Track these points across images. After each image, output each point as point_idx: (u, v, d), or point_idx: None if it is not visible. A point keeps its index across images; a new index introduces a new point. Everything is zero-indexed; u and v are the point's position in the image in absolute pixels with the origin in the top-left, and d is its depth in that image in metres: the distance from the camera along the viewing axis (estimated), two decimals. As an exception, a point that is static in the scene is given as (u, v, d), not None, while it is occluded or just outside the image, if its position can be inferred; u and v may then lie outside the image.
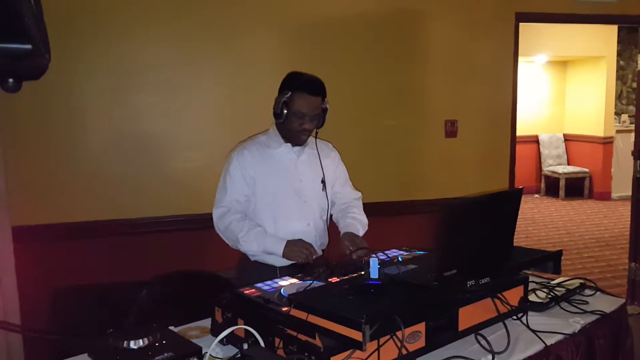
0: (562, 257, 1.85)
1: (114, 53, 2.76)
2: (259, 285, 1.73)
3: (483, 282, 1.49)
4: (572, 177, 7.86)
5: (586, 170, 7.88)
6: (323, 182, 2.15)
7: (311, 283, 1.60)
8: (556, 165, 8.11)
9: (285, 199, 2.08)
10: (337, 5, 3.05)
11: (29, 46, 1.33)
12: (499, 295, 1.65)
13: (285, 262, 2.04)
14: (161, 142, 2.88)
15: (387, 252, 2.11)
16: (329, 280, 1.75)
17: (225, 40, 2.90)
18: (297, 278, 1.80)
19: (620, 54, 7.85)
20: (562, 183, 7.82)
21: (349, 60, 3.07)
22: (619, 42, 7.67)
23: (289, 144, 2.09)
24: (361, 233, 2.15)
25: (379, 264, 1.52)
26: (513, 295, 1.74)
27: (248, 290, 1.67)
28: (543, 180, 8.18)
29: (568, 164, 8.18)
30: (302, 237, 2.02)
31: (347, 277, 1.72)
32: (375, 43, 3.13)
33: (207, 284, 2.13)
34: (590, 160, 7.86)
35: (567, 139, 8.25)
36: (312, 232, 2.12)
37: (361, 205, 2.31)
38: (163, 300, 2.07)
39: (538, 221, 6.53)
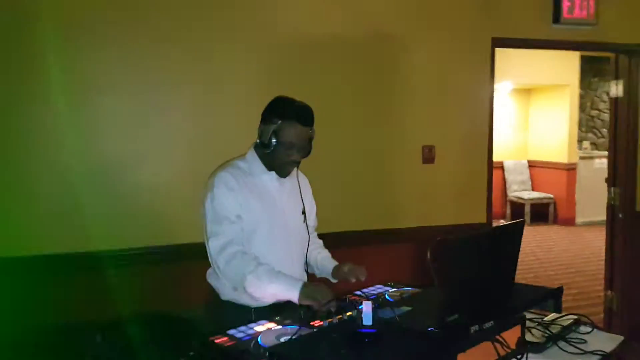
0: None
1: (66, 71, 2.53)
2: (231, 332, 1.52)
3: (487, 326, 1.33)
4: (537, 203, 7.94)
5: (550, 195, 7.98)
6: (304, 213, 1.98)
7: (297, 329, 1.41)
8: (521, 190, 8.19)
9: (269, 232, 1.87)
10: (313, 27, 2.92)
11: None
12: (497, 337, 1.51)
13: (261, 303, 1.83)
14: (120, 168, 2.64)
15: (371, 288, 1.95)
16: (311, 323, 1.57)
17: (195, 60, 2.72)
18: (274, 322, 1.61)
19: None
20: (527, 208, 7.88)
21: (323, 83, 2.93)
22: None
23: (273, 172, 1.91)
24: None
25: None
26: (510, 336, 1.59)
27: (219, 338, 1.46)
28: (508, 206, 8.23)
29: (532, 190, 8.27)
30: (288, 273, 1.81)
31: (331, 319, 1.54)
32: (352, 66, 3.01)
33: (172, 328, 1.89)
34: (555, 186, 7.97)
35: (532, 165, 8.37)
36: (296, 269, 1.94)
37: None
38: (121, 347, 1.83)
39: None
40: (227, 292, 1.88)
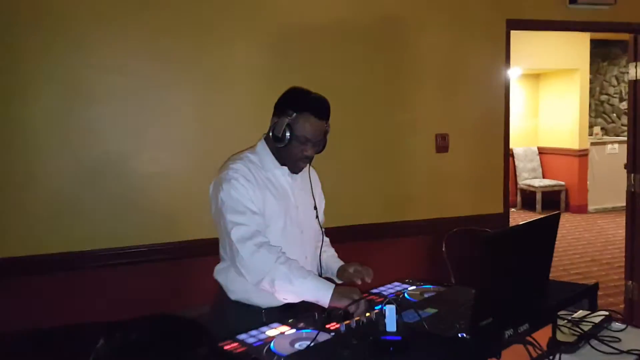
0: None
1: (64, 60, 2.41)
2: (242, 337, 1.41)
3: (522, 329, 1.21)
4: (548, 191, 7.78)
5: (562, 183, 7.82)
6: (315, 209, 1.87)
7: (314, 334, 1.29)
8: (532, 178, 8.03)
9: (283, 228, 1.75)
10: (320, 13, 2.79)
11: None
12: (528, 339, 1.39)
13: (273, 303, 1.71)
14: (121, 166, 2.53)
15: (388, 286, 1.83)
16: (327, 326, 1.46)
17: (196, 52, 2.60)
18: (287, 325, 1.50)
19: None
20: (538, 196, 7.73)
21: (331, 70, 2.80)
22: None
23: (285, 167, 1.79)
24: None
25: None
26: (541, 336, 1.48)
27: (229, 344, 1.35)
28: (519, 194, 8.09)
29: (543, 177, 8.12)
30: None
31: (348, 321, 1.43)
32: (360, 52, 2.88)
33: (178, 332, 1.79)
34: (566, 173, 7.81)
35: (542, 151, 8.20)
36: (309, 266, 1.83)
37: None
38: (125, 351, 1.73)
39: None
40: (237, 290, 1.77)
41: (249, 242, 1.62)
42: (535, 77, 8.29)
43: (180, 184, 2.59)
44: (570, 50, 7.40)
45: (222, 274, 1.81)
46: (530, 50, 6.93)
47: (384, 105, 2.94)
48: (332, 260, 1.94)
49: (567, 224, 7.05)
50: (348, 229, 2.80)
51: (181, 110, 2.61)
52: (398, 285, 1.81)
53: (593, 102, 8.75)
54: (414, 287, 1.74)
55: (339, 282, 1.87)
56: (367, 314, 1.45)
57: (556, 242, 5.07)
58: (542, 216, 1.28)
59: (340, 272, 1.85)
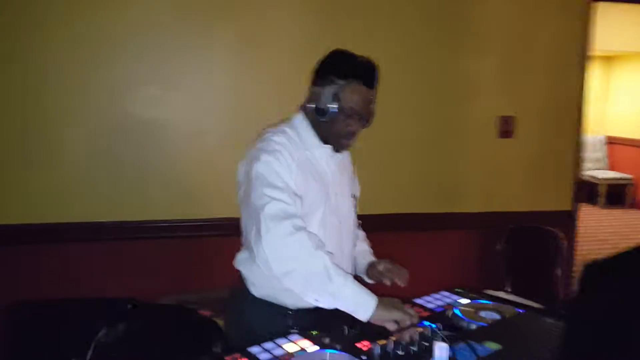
0: None
1: (87, 18, 2.21)
2: (254, 350, 1.18)
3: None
4: (612, 184, 7.17)
5: (629, 176, 7.18)
6: (354, 197, 1.61)
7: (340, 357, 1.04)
8: (595, 169, 7.43)
9: (323, 219, 1.49)
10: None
11: None
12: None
13: (301, 304, 1.44)
14: (150, 132, 2.33)
15: (435, 296, 1.55)
16: (356, 345, 1.21)
17: (227, 9, 2.33)
18: (310, 339, 1.25)
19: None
20: (602, 189, 7.14)
21: (376, 38, 2.46)
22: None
23: (328, 146, 1.52)
24: None
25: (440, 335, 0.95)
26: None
27: (238, 359, 1.13)
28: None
29: (609, 169, 7.49)
30: None
31: (384, 341, 1.17)
32: (418, 22, 2.53)
33: (188, 326, 1.59)
34: (635, 166, 7.16)
35: (610, 141, 7.55)
36: (346, 262, 1.57)
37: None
38: (127, 342, 1.55)
39: (578, 231, 5.88)
40: (263, 286, 1.51)
41: (285, 222, 1.32)
42: (606, 59, 7.59)
43: (207, 156, 2.37)
44: (649, 32, 6.68)
45: (246, 265, 1.56)
46: (603, 29, 6.27)
47: (437, 79, 2.60)
48: (363, 255, 1.67)
49: (633, 222, 6.48)
50: (388, 218, 2.52)
51: (213, 73, 2.37)
52: (447, 297, 1.53)
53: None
54: (467, 302, 1.45)
55: (369, 281, 1.60)
56: (408, 336, 1.18)
57: (621, 242, 4.49)
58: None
59: (370, 269, 1.59)
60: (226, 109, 2.40)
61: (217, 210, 2.36)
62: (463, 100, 2.64)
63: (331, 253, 1.36)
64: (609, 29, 6.28)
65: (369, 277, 1.60)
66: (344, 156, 1.61)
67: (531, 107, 2.71)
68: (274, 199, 1.35)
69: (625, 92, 7.41)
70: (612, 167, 7.52)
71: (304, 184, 1.43)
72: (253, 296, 1.55)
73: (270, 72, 2.39)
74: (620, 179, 7.20)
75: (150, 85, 2.30)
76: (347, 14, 2.44)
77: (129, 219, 2.34)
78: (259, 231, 1.33)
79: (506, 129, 2.66)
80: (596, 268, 0.82)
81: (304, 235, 1.32)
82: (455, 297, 1.52)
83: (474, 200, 2.73)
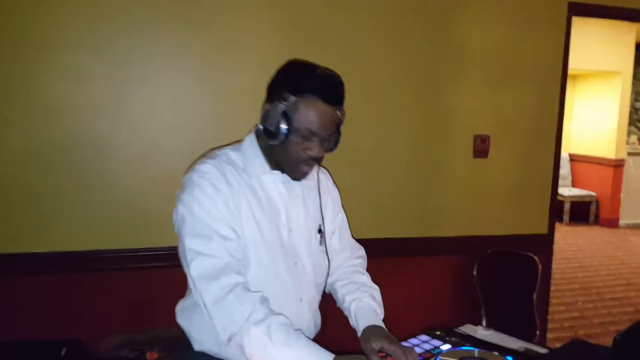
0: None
1: (26, 21, 1.97)
2: None
3: None
4: (577, 201, 7.23)
5: (593, 194, 7.26)
6: (321, 232, 1.38)
7: None
8: (560, 187, 7.48)
9: (268, 259, 1.27)
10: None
11: None
12: None
13: None
14: (93, 149, 2.09)
15: (414, 340, 1.37)
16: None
17: (197, 23, 2.13)
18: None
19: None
20: (567, 207, 7.19)
21: (352, 51, 2.31)
22: (633, 58, 7.10)
23: (277, 171, 1.31)
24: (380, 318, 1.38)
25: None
26: None
27: None
28: (545, 203, 7.53)
29: (573, 186, 7.56)
30: (293, 320, 1.21)
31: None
32: (389, 30, 2.38)
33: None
34: (598, 183, 7.25)
35: (573, 159, 7.63)
36: (306, 312, 1.35)
37: (365, 266, 1.56)
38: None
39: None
40: (203, 340, 1.31)
41: (214, 283, 1.14)
42: (571, 77, 7.69)
43: (170, 183, 2.14)
44: (614, 52, 6.80)
45: (184, 316, 1.34)
46: (570, 48, 6.35)
47: (413, 97, 2.45)
48: (364, 313, 1.36)
49: (598, 239, 6.51)
50: (366, 243, 2.34)
51: (178, 89, 2.15)
52: (426, 341, 1.35)
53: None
54: (448, 349, 1.27)
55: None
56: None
57: (586, 260, 4.44)
58: None
59: (365, 337, 1.30)
60: (190, 128, 2.17)
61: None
62: (439, 118, 2.50)
63: (279, 315, 1.16)
64: (574, 47, 6.35)
65: (362, 345, 1.29)
66: (309, 183, 1.39)
67: (507, 125, 2.59)
68: (199, 254, 1.16)
69: (588, 109, 7.52)
70: (576, 185, 7.60)
71: (239, 217, 1.22)
72: (194, 351, 1.32)
73: (236, 88, 2.19)
74: (585, 196, 7.27)
75: (103, 99, 2.06)
76: (319, 27, 2.26)
77: (73, 249, 2.08)
78: (195, 290, 1.19)
79: (482, 148, 2.53)
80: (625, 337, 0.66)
81: (233, 300, 1.13)
82: (435, 342, 1.34)
83: (452, 224, 2.58)
